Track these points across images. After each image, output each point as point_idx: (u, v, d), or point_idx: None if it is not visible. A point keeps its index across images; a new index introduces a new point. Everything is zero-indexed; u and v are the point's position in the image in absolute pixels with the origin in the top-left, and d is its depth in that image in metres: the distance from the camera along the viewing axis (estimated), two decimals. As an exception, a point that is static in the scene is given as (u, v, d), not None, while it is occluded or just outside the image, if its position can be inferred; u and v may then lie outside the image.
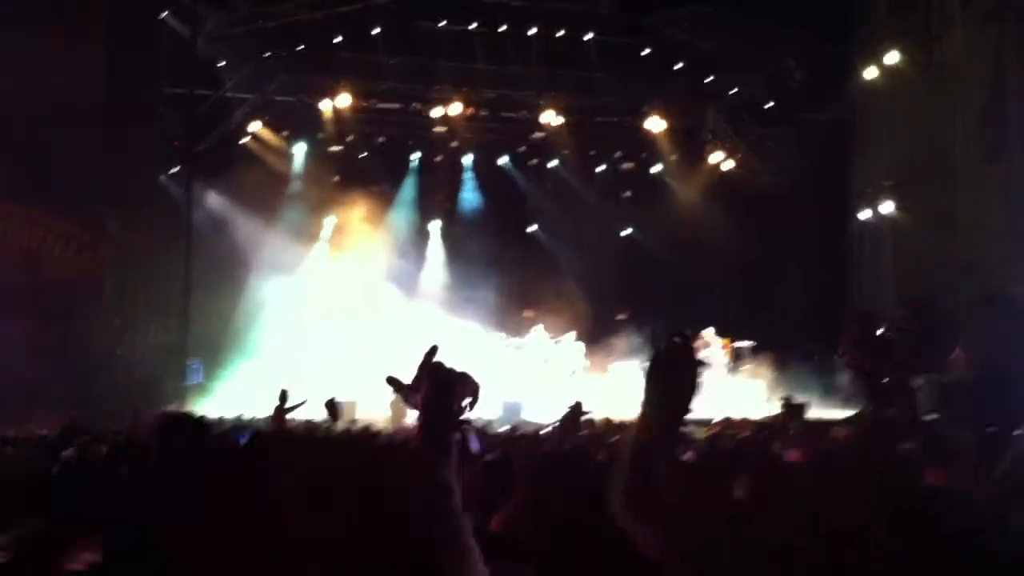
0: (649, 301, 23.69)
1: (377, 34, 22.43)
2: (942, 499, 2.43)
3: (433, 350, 4.18)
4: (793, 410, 11.84)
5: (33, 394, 15.50)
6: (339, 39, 22.34)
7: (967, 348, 19.22)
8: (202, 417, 5.81)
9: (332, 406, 10.39)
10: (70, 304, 18.11)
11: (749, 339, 23.03)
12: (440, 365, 4.09)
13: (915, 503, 2.36)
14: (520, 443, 9.41)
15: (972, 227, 19.10)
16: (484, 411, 14.05)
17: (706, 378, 2.45)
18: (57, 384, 16.05)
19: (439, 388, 3.91)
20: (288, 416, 13.15)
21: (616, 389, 21.31)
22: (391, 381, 5.65)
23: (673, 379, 2.42)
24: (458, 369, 4.17)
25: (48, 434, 10.74)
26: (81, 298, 18.49)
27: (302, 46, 22.36)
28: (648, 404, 2.40)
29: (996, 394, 16.87)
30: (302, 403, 13.23)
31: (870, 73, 21.56)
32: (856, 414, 14.90)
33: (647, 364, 2.46)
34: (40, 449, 8.49)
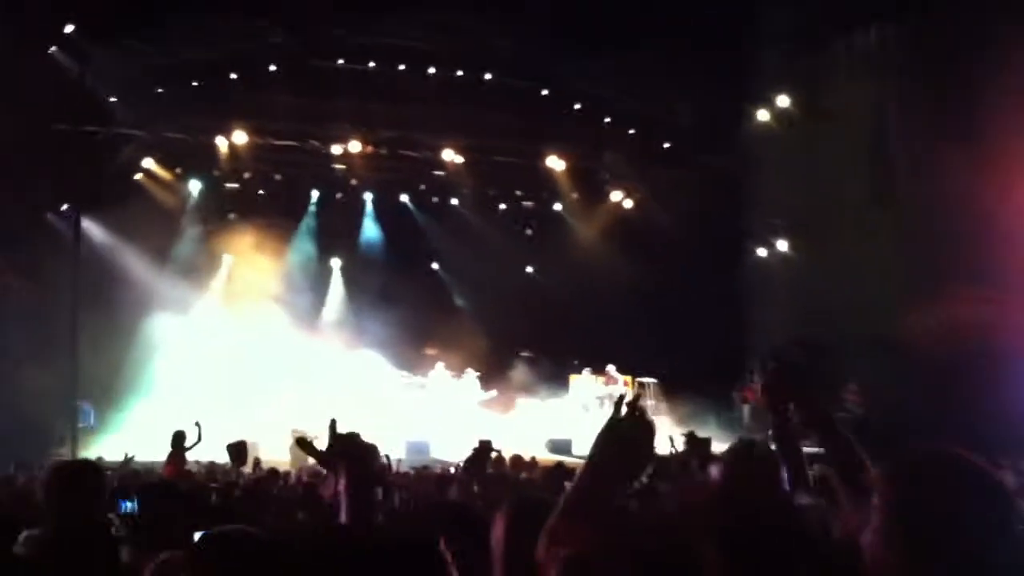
0: (551, 338, 23.83)
1: (273, 72, 22.14)
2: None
3: (334, 424, 4.14)
4: (697, 444, 11.90)
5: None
6: (234, 76, 22.01)
7: (859, 386, 19.78)
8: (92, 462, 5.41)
9: (237, 449, 9.99)
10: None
11: (650, 375, 23.35)
12: (351, 445, 4.05)
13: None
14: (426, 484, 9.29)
15: (862, 268, 19.68)
16: (389, 450, 13.84)
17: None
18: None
19: (359, 475, 3.84)
20: (187, 457, 12.73)
21: (521, 426, 21.34)
22: (302, 444, 5.47)
23: (632, 442, 2.55)
24: (362, 440, 4.15)
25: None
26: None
27: (195, 83, 21.95)
28: (600, 457, 2.52)
29: (888, 430, 17.40)
30: (197, 442, 12.76)
31: (761, 116, 22.16)
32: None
33: (609, 424, 2.59)
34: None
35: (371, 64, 22.46)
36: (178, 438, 12.78)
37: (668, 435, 12.37)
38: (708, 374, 22.50)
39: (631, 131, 24.71)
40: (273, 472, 11.94)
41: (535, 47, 21.78)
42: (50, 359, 18.87)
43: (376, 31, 21.54)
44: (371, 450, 4.11)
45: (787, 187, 22.20)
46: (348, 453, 3.85)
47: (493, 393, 21.57)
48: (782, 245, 22.52)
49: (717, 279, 23.73)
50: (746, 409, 22.98)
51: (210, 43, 21.01)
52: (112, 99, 21.51)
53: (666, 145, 25.04)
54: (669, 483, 6.87)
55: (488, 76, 23.08)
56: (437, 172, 25.14)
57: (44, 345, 18.95)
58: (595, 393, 22.82)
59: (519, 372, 23.21)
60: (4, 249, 18.41)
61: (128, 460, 11.83)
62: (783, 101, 21.74)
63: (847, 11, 19.34)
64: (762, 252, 23.06)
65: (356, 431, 4.16)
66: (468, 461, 11.27)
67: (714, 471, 4.14)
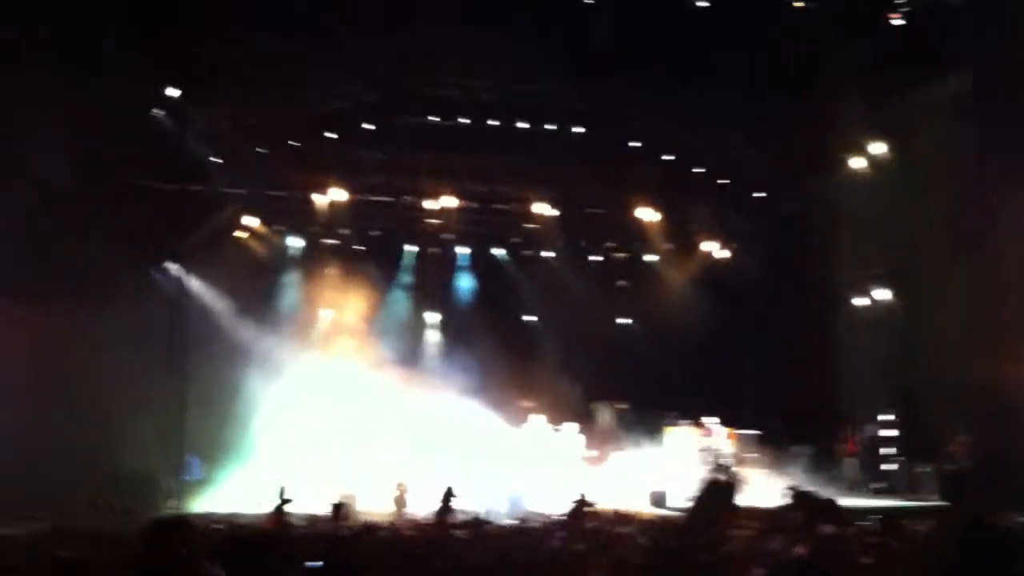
0: (644, 389, 23.67)
1: (364, 129, 22.58)
2: None
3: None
4: (803, 499, 11.63)
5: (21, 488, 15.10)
6: (328, 135, 22.53)
7: (964, 437, 19.24)
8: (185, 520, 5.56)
9: (338, 508, 10.20)
10: (52, 397, 17.73)
11: (747, 427, 23.00)
12: None
13: None
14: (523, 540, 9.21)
15: (954, 317, 19.19)
16: (491, 504, 13.86)
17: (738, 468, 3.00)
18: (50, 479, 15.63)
19: None
20: (287, 510, 12.89)
21: (617, 479, 21.13)
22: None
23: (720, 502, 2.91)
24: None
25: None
26: (63, 392, 18.10)
27: (293, 142, 22.51)
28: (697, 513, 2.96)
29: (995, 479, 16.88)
30: (289, 500, 12.95)
31: (850, 163, 21.89)
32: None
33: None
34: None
35: (460, 119, 22.73)
36: (281, 492, 12.98)
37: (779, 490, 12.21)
38: (804, 426, 22.10)
39: (720, 180, 24.56)
40: (368, 528, 12.05)
41: (622, 98, 21.87)
42: (155, 414, 19.33)
43: (464, 86, 21.87)
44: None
45: (880, 234, 21.83)
46: None
47: (594, 453, 21.43)
48: (878, 294, 22.06)
49: (811, 329, 23.36)
50: (847, 462, 22.47)
51: (303, 102, 21.56)
52: (213, 159, 22.12)
53: (756, 194, 24.85)
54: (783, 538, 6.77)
55: (576, 128, 23.17)
56: (529, 225, 25.29)
57: (149, 401, 19.43)
58: (694, 445, 22.47)
59: (613, 423, 23.03)
60: (109, 306, 18.91)
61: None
62: (874, 148, 21.44)
63: (933, 55, 19.07)
64: (860, 301, 22.60)
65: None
66: (569, 515, 11.28)
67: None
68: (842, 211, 22.93)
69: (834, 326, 23.47)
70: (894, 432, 22.27)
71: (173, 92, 20.15)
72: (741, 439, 22.92)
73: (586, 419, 23.28)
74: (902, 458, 21.67)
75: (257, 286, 22.64)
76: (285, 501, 12.97)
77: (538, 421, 22.43)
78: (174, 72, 19.82)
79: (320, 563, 4.82)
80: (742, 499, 2.71)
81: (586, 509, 11.70)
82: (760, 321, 24.49)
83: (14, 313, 17.11)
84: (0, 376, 16.87)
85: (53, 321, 17.42)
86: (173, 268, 21.16)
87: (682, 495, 19.13)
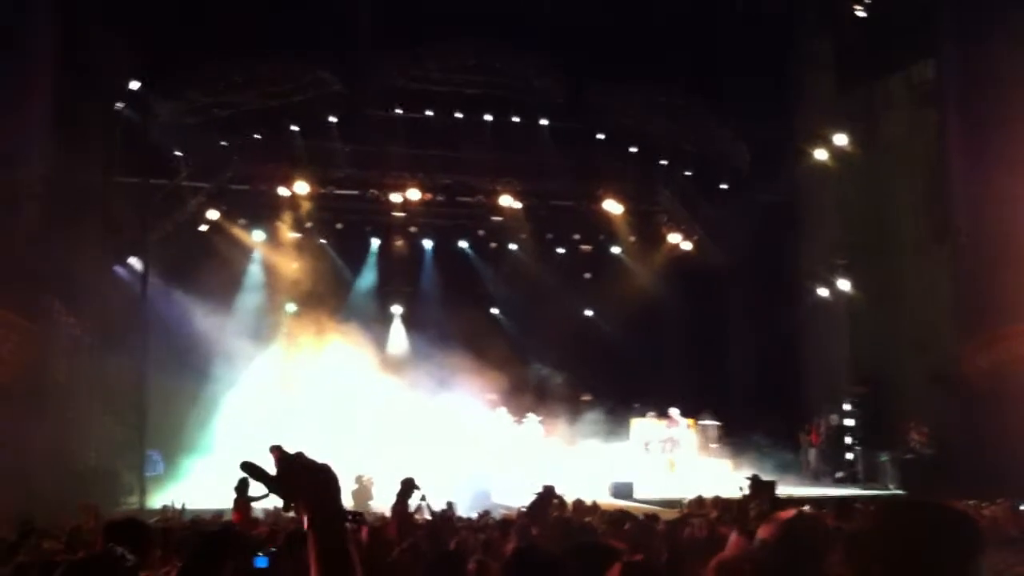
0: (610, 381, 23.75)
1: (331, 122, 22.52)
2: None
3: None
4: (761, 488, 11.83)
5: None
6: (294, 128, 22.44)
7: (923, 425, 19.51)
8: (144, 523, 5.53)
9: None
10: (15, 397, 17.52)
11: (710, 418, 23.16)
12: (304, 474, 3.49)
13: None
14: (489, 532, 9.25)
15: (921, 304, 19.41)
16: (452, 496, 13.84)
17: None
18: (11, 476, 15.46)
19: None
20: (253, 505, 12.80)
21: (582, 469, 21.20)
22: (248, 469, 5.25)
23: None
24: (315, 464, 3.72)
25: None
26: (26, 390, 17.87)
27: (257, 135, 22.39)
28: None
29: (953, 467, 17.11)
30: (265, 495, 12.86)
31: (819, 154, 22.04)
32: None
33: None
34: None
35: (427, 112, 22.69)
36: (243, 485, 12.84)
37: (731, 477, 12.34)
38: (768, 415, 22.27)
39: (687, 172, 24.66)
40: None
41: (589, 91, 21.93)
42: (118, 410, 19.19)
43: (431, 79, 21.83)
44: (330, 479, 2.64)
45: (845, 223, 22.04)
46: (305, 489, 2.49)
47: (555, 439, 21.43)
48: (842, 284, 22.27)
49: (776, 318, 23.55)
50: (811, 452, 22.69)
51: (269, 94, 21.43)
52: (177, 152, 21.95)
53: (722, 185, 24.98)
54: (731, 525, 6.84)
55: (543, 121, 23.20)
56: (495, 218, 25.29)
57: (112, 396, 19.29)
58: (657, 436, 22.62)
59: (580, 416, 23.08)
60: (72, 302, 18.74)
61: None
62: (839, 138, 21.59)
63: (899, 45, 19.25)
64: (822, 292, 22.80)
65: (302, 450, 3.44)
66: (530, 506, 11.30)
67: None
68: (809, 201, 23.12)
69: (801, 316, 23.68)
70: (856, 422, 22.54)
71: (136, 85, 19.95)
72: (704, 429, 23.09)
73: (552, 411, 23.33)
74: (859, 448, 21.93)
75: (221, 280, 22.46)
76: (250, 498, 12.89)
77: (502, 413, 22.46)
78: (137, 65, 19.61)
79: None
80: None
81: (553, 500, 11.73)
82: (726, 312, 24.63)
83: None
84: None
85: (14, 317, 17.24)
86: (136, 263, 20.95)
87: (649, 486, 19.34)
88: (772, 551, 3.09)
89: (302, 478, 2.51)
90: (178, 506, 14.28)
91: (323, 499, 2.45)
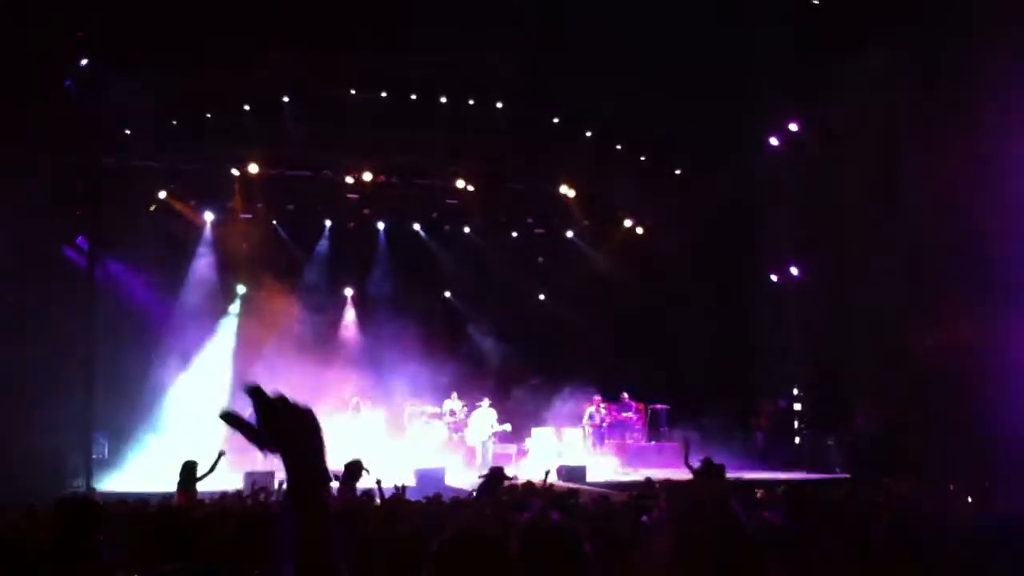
0: (563, 365, 23.82)
1: (284, 102, 22.30)
2: None
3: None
4: (713, 471, 11.90)
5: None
6: (246, 107, 22.18)
7: (872, 405, 19.78)
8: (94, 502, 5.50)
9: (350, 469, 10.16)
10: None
11: (662, 402, 23.32)
12: (287, 415, 3.35)
13: None
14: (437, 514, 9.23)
15: (873, 287, 19.64)
16: (400, 480, 13.82)
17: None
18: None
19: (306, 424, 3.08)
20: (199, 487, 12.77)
21: (533, 452, 21.29)
22: (228, 419, 5.21)
23: None
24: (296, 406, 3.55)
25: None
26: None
27: (208, 114, 22.11)
28: None
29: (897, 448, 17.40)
30: (210, 472, 12.85)
31: (772, 140, 22.21)
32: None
33: None
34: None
35: (382, 93, 22.52)
36: (188, 469, 12.81)
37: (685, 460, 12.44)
38: (720, 399, 22.46)
39: (642, 157, 24.73)
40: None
41: (545, 74, 21.87)
42: (65, 392, 18.90)
43: (386, 60, 21.65)
44: (315, 424, 2.62)
45: (798, 210, 22.23)
46: (290, 433, 2.30)
47: (507, 426, 21.43)
48: (794, 269, 22.51)
49: (729, 304, 23.77)
50: (759, 435, 22.95)
51: (221, 72, 21.13)
52: (127, 131, 21.62)
53: (677, 171, 25.10)
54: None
55: (499, 104, 23.12)
56: (449, 200, 25.20)
57: (59, 378, 18.99)
58: (607, 421, 22.71)
59: (532, 400, 23.12)
60: (18, 282, 18.42)
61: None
62: (794, 123, 21.78)
63: (851, 31, 19.39)
64: (775, 277, 23.04)
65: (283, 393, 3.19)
66: (480, 488, 11.32)
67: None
68: (763, 187, 23.28)
69: (754, 301, 23.91)
70: (805, 405, 22.84)
71: (84, 62, 19.61)
72: (655, 413, 23.25)
73: (504, 396, 23.35)
74: (806, 431, 22.22)
75: (171, 261, 22.20)
76: (197, 477, 12.80)
77: (454, 399, 22.43)
78: (86, 41, 19.27)
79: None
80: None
81: (503, 482, 11.73)
82: (680, 296, 24.77)
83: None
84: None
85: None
86: (84, 244, 20.61)
87: (603, 470, 19.44)
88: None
89: (286, 422, 2.37)
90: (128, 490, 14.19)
91: (309, 446, 2.36)
